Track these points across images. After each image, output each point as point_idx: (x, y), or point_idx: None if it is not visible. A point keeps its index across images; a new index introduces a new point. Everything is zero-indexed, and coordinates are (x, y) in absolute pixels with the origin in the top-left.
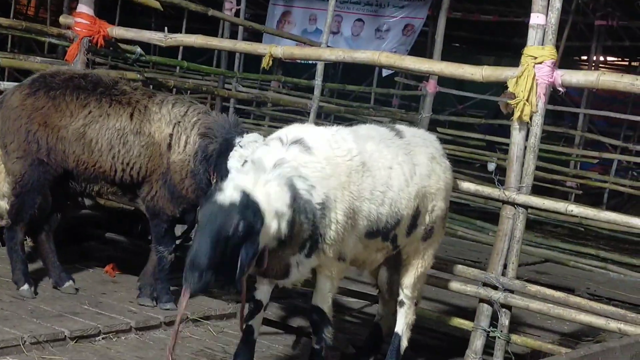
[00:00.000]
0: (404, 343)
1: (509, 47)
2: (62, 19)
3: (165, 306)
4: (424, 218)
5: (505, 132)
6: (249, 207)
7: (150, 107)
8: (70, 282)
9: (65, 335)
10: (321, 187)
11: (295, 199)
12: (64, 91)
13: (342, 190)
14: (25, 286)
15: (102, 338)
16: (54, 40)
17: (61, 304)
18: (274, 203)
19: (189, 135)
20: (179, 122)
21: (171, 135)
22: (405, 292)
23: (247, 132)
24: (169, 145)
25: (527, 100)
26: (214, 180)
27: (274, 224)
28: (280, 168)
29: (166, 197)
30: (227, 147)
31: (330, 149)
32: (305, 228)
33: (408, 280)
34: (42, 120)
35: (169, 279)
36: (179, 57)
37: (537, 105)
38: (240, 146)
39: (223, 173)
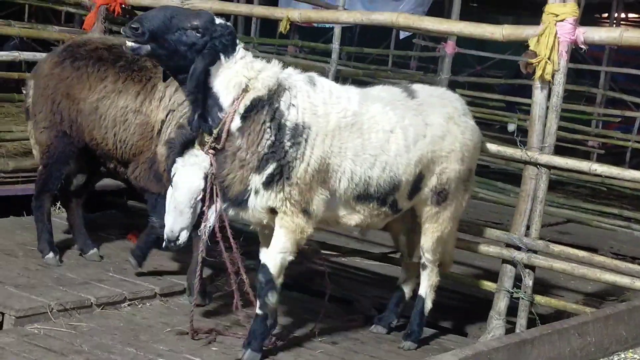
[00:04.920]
0: (428, 305)
1: (527, 6)
2: None
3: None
4: (429, 181)
5: (525, 92)
6: (224, 27)
7: (157, 86)
8: (95, 250)
9: (92, 302)
10: (303, 114)
11: (273, 95)
12: (87, 62)
13: (325, 137)
14: (51, 254)
15: (128, 304)
16: (71, 9)
17: (86, 271)
18: (257, 63)
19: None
20: (174, 110)
21: (163, 122)
22: (427, 256)
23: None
24: (159, 132)
25: (548, 58)
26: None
27: (243, 70)
28: (277, 68)
29: (150, 180)
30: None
31: (330, 98)
32: (265, 134)
33: (427, 244)
34: (65, 92)
35: (150, 248)
36: None
37: (559, 63)
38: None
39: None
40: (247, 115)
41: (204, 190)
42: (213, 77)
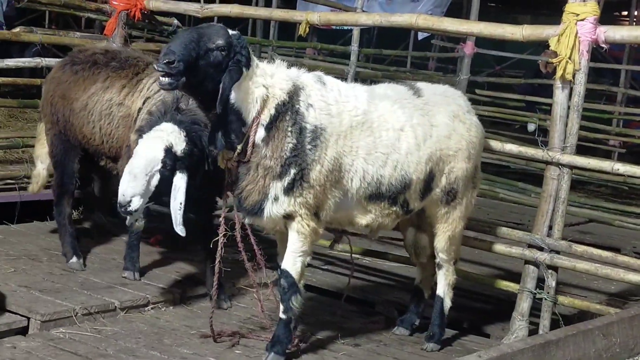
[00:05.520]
0: (447, 303)
1: (545, 5)
2: None
3: (123, 273)
4: (439, 181)
5: (545, 91)
6: (240, 38)
7: (141, 79)
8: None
9: (116, 306)
10: (320, 115)
11: (292, 97)
12: (84, 66)
13: (338, 137)
14: (74, 259)
15: (152, 308)
16: (92, 16)
17: (110, 275)
18: (267, 68)
19: None
20: (149, 97)
21: (140, 110)
22: (441, 256)
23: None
24: (135, 121)
25: (569, 58)
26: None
27: (260, 80)
28: (284, 68)
29: None
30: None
31: (340, 96)
32: (287, 138)
33: (440, 244)
34: (61, 93)
35: (137, 245)
36: None
37: (580, 63)
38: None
39: None
40: (272, 125)
41: (165, 163)
42: (233, 92)
